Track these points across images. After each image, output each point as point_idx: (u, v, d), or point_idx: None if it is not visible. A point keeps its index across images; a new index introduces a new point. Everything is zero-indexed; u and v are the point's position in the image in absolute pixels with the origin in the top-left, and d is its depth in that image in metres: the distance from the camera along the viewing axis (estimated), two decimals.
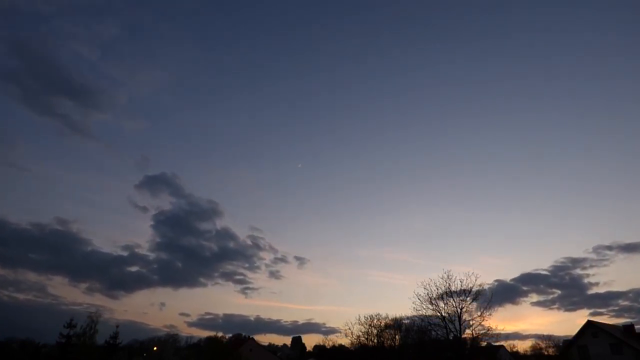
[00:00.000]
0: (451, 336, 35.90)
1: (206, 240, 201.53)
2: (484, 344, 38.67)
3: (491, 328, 34.62)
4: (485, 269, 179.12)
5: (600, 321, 48.19)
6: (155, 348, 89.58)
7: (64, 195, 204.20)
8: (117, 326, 57.89)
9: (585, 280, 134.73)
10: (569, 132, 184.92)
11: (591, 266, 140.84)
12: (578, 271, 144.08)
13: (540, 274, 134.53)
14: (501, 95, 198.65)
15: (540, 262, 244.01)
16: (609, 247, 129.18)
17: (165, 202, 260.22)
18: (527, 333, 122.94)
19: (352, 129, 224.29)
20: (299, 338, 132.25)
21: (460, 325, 35.29)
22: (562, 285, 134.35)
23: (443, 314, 35.94)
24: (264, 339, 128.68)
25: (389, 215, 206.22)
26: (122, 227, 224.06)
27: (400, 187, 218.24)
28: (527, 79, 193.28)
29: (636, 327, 47.25)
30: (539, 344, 70.14)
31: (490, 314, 34.75)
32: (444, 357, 37.25)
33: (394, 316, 49.47)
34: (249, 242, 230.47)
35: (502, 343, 53.80)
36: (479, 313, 35.11)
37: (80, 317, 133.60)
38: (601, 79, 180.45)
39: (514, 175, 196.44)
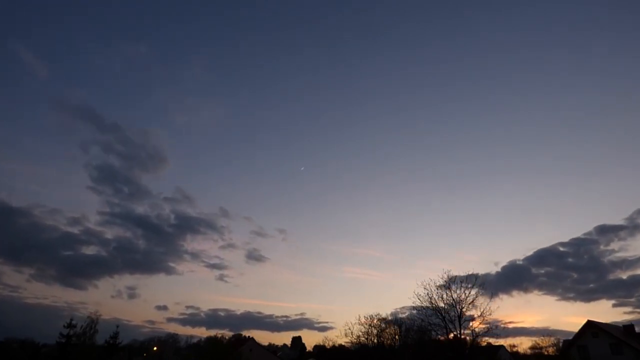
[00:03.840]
0: (451, 336, 35.91)
1: (159, 208, 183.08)
2: (484, 343, 38.57)
3: (492, 325, 34.71)
4: (496, 250, 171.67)
5: (601, 321, 48.21)
6: (155, 348, 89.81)
7: None
8: (118, 326, 58.00)
9: (606, 259, 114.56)
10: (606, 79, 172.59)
11: (619, 239, 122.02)
12: (601, 247, 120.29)
13: (557, 251, 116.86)
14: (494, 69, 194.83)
15: (563, 234, 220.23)
16: None
17: (89, 139, 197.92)
18: (534, 328, 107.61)
19: (326, 123, 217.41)
20: (299, 338, 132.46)
21: (460, 325, 35.28)
22: (579, 267, 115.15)
23: (443, 314, 35.93)
24: (253, 334, 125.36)
25: (367, 211, 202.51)
26: (58, 186, 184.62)
27: (380, 180, 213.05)
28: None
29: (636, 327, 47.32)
30: (538, 344, 70.06)
31: (490, 314, 34.76)
32: (444, 357, 37.21)
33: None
34: (213, 208, 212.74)
35: (504, 342, 53.64)
36: (480, 311, 35.10)
37: (50, 313, 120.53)
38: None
39: (529, 134, 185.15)
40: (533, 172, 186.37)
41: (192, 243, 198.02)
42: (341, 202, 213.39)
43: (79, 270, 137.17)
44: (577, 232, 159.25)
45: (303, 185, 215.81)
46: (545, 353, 66.25)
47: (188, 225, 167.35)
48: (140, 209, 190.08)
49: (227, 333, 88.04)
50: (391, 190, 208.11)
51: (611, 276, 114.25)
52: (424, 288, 37.41)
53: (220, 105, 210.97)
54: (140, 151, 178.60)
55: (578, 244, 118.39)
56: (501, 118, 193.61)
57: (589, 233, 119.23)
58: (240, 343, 72.57)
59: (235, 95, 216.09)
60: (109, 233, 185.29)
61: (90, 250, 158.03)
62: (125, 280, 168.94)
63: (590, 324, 44.91)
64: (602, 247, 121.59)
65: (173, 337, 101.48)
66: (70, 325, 47.20)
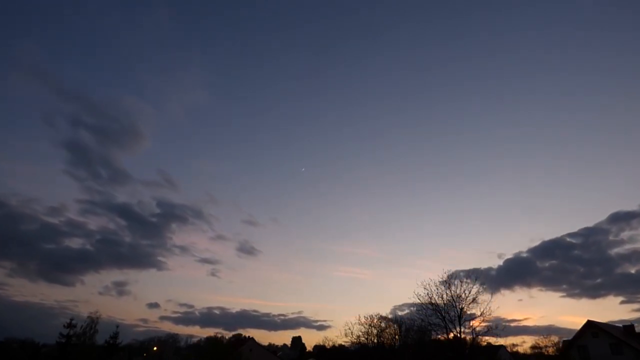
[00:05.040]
0: (451, 336, 35.93)
1: (140, 194, 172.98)
2: (484, 343, 38.60)
3: (492, 325, 34.74)
4: (501, 243, 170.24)
5: (609, 319, 48.28)
6: (155, 348, 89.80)
7: None
8: (117, 326, 58.10)
9: (614, 252, 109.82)
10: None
11: (630, 228, 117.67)
12: (611, 237, 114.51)
13: (564, 243, 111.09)
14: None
15: (574, 225, 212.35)
16: None
17: (51, 109, 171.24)
18: (536, 326, 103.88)
19: (322, 122, 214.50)
20: (299, 338, 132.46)
21: (460, 324, 35.30)
22: (585, 260, 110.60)
23: (443, 314, 35.95)
24: (249, 333, 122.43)
25: (366, 210, 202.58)
26: (31, 172, 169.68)
27: (380, 180, 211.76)
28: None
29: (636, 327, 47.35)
30: (539, 344, 69.96)
31: (490, 313, 34.80)
32: (444, 357, 37.21)
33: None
34: (199, 194, 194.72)
35: (504, 341, 53.55)
36: (480, 310, 35.11)
37: (39, 311, 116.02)
38: None
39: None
40: (544, 162, 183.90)
41: (179, 235, 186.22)
42: (339, 201, 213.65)
43: (63, 265, 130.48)
44: (591, 222, 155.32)
45: (299, 184, 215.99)
46: (546, 353, 66.19)
47: (173, 214, 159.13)
48: (121, 196, 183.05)
49: (226, 333, 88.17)
50: (390, 190, 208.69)
51: (619, 270, 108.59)
52: (424, 288, 37.57)
53: (199, 68, 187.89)
54: (112, 124, 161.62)
55: (587, 234, 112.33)
56: (506, 110, 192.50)
57: (600, 222, 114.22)
58: (240, 343, 72.59)
59: (220, 71, 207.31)
60: (92, 224, 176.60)
61: (73, 243, 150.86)
62: (112, 275, 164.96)
63: (590, 324, 44.94)
64: (611, 237, 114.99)
65: (173, 337, 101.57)
66: (70, 325, 47.26)
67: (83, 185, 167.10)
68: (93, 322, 43.77)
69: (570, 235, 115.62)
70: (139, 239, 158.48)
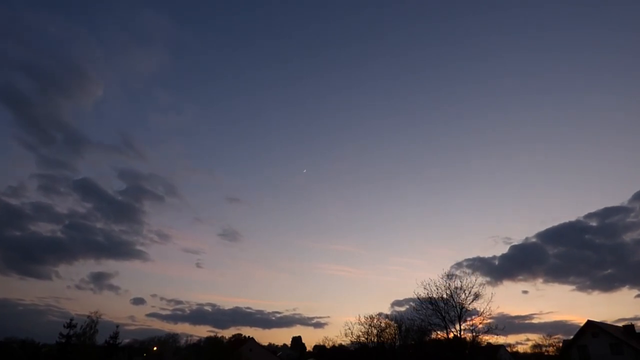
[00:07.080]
0: (451, 336, 35.93)
1: (99, 164, 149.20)
2: (484, 342, 38.60)
3: (492, 325, 34.72)
4: (509, 229, 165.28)
5: (623, 315, 48.21)
6: (155, 348, 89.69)
7: None
8: (117, 326, 58.13)
9: (629, 237, 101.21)
10: None
11: None
12: (630, 218, 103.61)
13: (578, 226, 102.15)
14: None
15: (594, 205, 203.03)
16: None
17: None
18: (541, 323, 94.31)
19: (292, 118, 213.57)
20: (299, 338, 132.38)
21: (460, 324, 35.31)
22: (597, 246, 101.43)
23: (443, 314, 35.96)
24: (242, 331, 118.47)
25: (351, 207, 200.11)
26: None
27: (378, 179, 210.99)
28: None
29: (636, 327, 47.33)
30: (539, 343, 69.97)
31: (490, 313, 34.79)
32: (444, 357, 37.19)
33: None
34: (170, 162, 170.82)
35: (506, 339, 53.37)
36: (482, 306, 35.09)
37: (24, 309, 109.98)
38: None
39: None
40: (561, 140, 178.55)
41: (155, 217, 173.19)
42: (331, 200, 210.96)
43: (33, 255, 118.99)
44: (616, 202, 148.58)
45: (296, 185, 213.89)
46: (546, 353, 66.19)
47: (141, 188, 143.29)
48: (81, 168, 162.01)
49: (219, 330, 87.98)
50: (385, 187, 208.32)
51: (635, 258, 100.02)
52: (424, 288, 37.66)
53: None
54: (44, 59, 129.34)
55: (604, 215, 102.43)
56: (517, 84, 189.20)
57: (623, 201, 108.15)
58: (240, 343, 72.64)
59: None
60: (58, 206, 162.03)
61: (41, 229, 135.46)
62: (88, 267, 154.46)
63: (590, 324, 44.92)
64: (629, 219, 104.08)
65: (173, 337, 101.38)
66: (70, 326, 47.27)
67: (38, 155, 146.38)
68: (93, 322, 43.78)
69: (587, 216, 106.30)
70: (111, 224, 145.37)
